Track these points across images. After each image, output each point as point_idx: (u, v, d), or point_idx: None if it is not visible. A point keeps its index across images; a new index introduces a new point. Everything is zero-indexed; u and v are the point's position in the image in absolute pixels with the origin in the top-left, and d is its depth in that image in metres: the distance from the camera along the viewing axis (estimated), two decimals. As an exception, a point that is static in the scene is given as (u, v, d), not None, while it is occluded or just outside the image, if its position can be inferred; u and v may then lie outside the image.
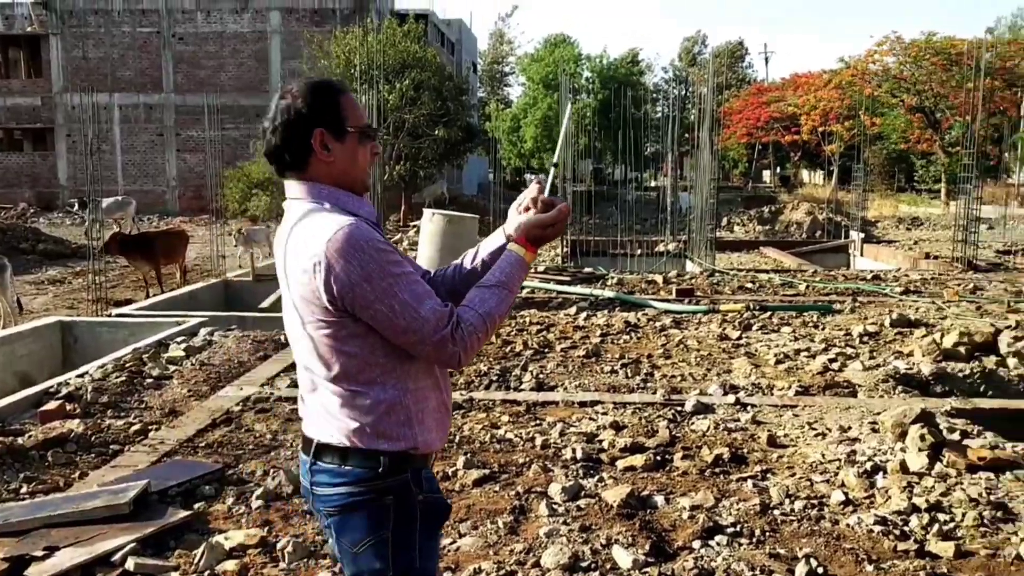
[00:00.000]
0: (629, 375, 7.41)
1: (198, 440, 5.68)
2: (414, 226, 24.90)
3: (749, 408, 6.31)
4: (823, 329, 9.45)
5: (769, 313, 10.07)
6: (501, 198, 33.79)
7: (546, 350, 8.36)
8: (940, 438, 5.14)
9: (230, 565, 3.88)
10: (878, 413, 6.12)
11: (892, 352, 8.30)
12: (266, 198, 26.95)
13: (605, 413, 6.23)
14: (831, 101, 40.91)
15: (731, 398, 6.51)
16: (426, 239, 11.16)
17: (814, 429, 5.82)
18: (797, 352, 8.18)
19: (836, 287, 12.40)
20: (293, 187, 2.14)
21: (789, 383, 7.04)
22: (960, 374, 7.64)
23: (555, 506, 4.46)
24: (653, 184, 48.42)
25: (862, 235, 20.87)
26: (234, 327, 9.92)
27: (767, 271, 14.80)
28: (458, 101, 28.56)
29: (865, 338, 8.85)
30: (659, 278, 12.82)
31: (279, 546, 4.04)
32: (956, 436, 5.39)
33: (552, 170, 2.45)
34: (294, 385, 7.00)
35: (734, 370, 7.60)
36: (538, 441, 5.52)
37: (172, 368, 7.90)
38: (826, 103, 41.13)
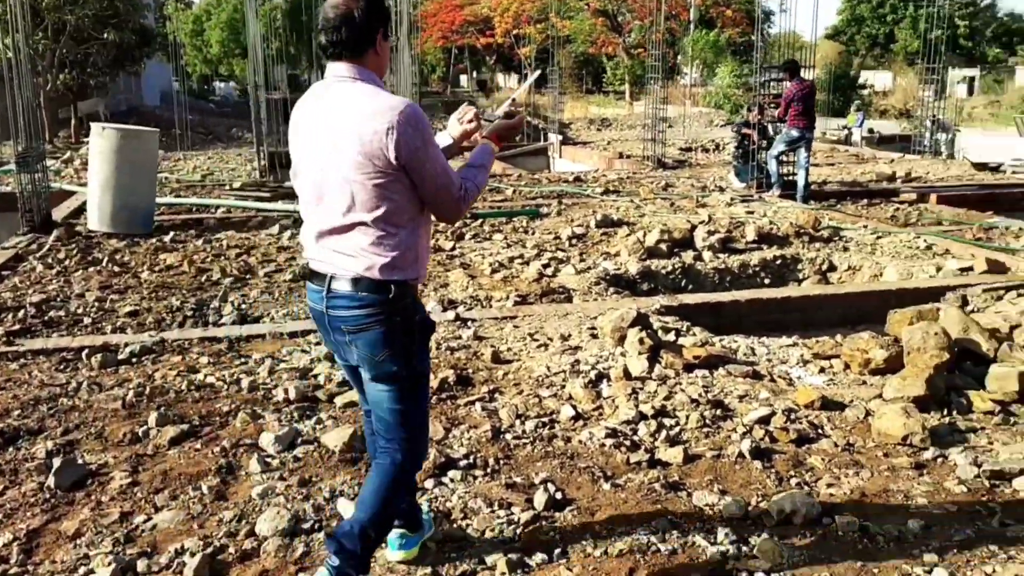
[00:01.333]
0: (342, 297, 6.91)
1: None
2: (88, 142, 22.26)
3: (470, 323, 6.06)
4: (534, 234, 9.46)
5: (480, 220, 9.93)
6: (188, 108, 31.32)
7: (248, 276, 7.62)
8: (657, 340, 5.18)
9: None
10: (595, 317, 6.12)
11: (600, 253, 8.44)
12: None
13: (318, 343, 5.70)
14: (523, 3, 41.58)
15: (451, 314, 6.23)
16: (100, 157, 9.77)
17: (536, 340, 5.69)
18: (511, 260, 8.07)
19: (542, 190, 12.55)
20: (344, 68, 2.66)
21: (507, 293, 6.90)
22: (663, 271, 7.91)
23: (269, 459, 3.93)
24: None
25: (560, 137, 21.48)
26: None
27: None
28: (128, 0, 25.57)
29: (574, 241, 8.95)
30: (366, 189, 12.27)
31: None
32: (671, 336, 5.48)
33: (510, 100, 3.34)
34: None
35: (451, 283, 7.34)
36: (244, 383, 4.91)
37: None
38: (518, 5, 41.75)
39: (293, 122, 2.78)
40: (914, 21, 49.11)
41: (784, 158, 12.27)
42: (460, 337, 5.78)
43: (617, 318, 5.44)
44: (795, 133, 11.66)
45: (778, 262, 8.27)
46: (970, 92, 48.81)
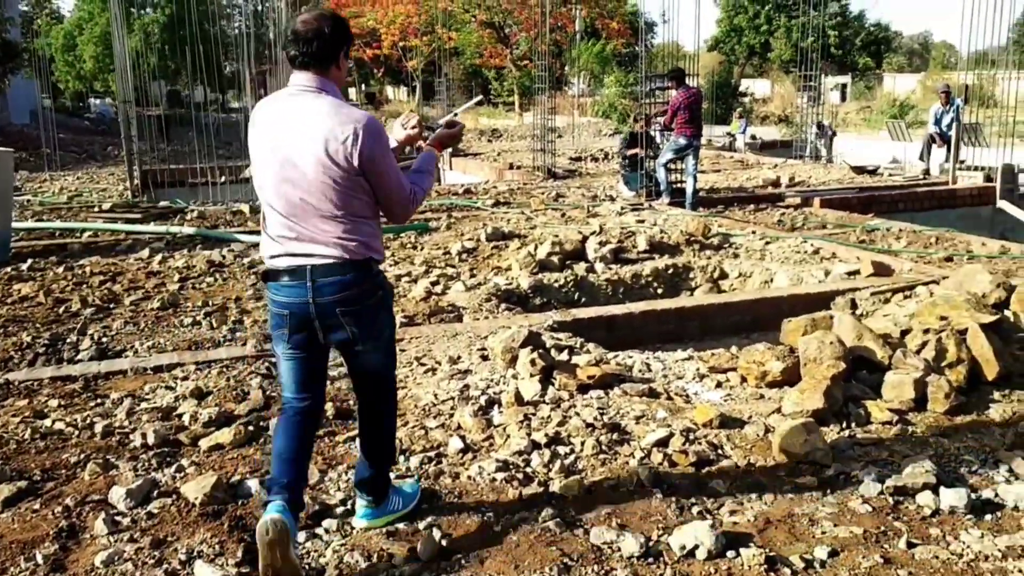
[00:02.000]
0: (214, 325, 6.42)
1: None
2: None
3: (353, 349, 5.69)
4: (422, 250, 9.13)
5: (366, 237, 9.53)
6: (61, 127, 29.65)
7: (112, 305, 7.04)
8: (550, 360, 4.93)
9: None
10: (486, 337, 5.84)
11: (491, 268, 8.18)
12: None
13: (186, 377, 5.24)
14: (409, 16, 41.18)
15: (332, 340, 5.83)
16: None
17: (423, 364, 5.36)
18: (398, 278, 7.72)
19: (431, 204, 12.22)
20: (309, 79, 3.00)
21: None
22: (556, 284, 7.69)
23: (119, 518, 3.48)
24: (237, 105, 45.71)
25: (449, 149, 21.18)
26: None
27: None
28: (-12, 13, 24.10)
29: (464, 255, 8.67)
30: (246, 208, 11.71)
31: None
32: (564, 356, 5.23)
33: (453, 114, 3.60)
34: None
35: (334, 305, 6.95)
36: (99, 428, 4.42)
37: None
38: (404, 18, 41.33)
39: (256, 126, 3.05)
40: (788, 31, 50.86)
41: (672, 166, 12.29)
42: (340, 365, 5.40)
43: (508, 338, 5.16)
44: (683, 141, 11.67)
45: (670, 271, 8.17)
46: (843, 98, 50.78)
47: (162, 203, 12.83)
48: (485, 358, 5.40)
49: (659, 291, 8.01)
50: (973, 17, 12.33)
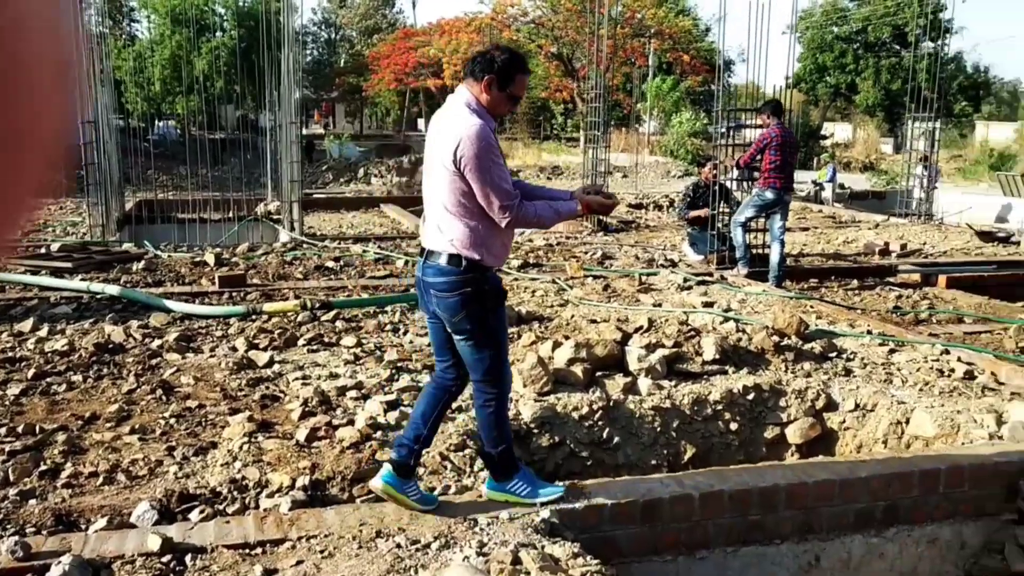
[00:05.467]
0: (10, 479, 3.99)
1: None
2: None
3: (191, 559, 3.18)
4: (405, 334, 6.64)
5: (333, 313, 7.05)
6: (120, 149, 27.95)
7: None
8: None
9: None
10: (426, 546, 3.28)
11: (486, 376, 5.61)
12: None
13: None
14: (471, 44, 39.23)
15: (155, 539, 3.30)
16: None
17: (279, 629, 2.82)
18: (344, 390, 5.19)
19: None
20: (460, 90, 3.57)
21: (294, 475, 4.01)
22: (575, 415, 5.08)
23: None
24: (305, 132, 44.22)
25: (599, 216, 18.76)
26: None
27: (371, 239, 11.87)
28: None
29: (455, 350, 6.12)
30: (212, 257, 9.35)
31: None
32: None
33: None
34: None
35: (224, 441, 4.46)
36: None
37: None
38: (466, 46, 39.42)
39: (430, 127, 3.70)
40: (877, 72, 47.63)
41: (753, 225, 9.62)
42: (138, 611, 2.88)
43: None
44: (770, 195, 8.97)
45: (751, 396, 5.48)
46: (932, 146, 47.16)
47: (125, 245, 10.62)
48: (401, 618, 2.83)
49: (732, 427, 5.35)
50: None
